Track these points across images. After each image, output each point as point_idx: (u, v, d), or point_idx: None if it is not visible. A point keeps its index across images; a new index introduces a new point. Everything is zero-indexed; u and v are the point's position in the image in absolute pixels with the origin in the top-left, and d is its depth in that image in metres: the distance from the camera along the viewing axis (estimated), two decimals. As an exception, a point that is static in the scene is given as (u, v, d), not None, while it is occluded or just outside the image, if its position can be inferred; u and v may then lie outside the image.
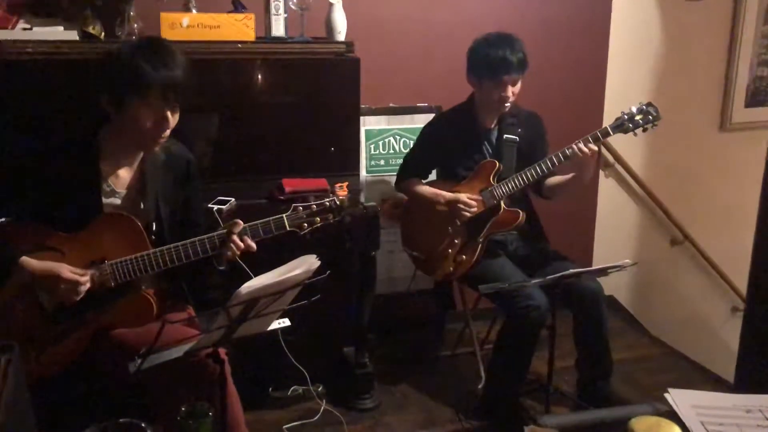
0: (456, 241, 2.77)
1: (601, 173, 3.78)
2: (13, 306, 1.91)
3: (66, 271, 1.85)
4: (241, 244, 1.96)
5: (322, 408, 2.71)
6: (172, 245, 1.94)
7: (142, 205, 2.05)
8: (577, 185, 2.69)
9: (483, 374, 2.97)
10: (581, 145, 2.56)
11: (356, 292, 2.77)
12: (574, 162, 2.60)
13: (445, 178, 2.88)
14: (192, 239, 1.95)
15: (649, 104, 2.63)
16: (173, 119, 1.95)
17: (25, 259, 1.85)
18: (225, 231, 1.96)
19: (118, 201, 2.03)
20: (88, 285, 1.87)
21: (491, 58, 2.61)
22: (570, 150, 2.58)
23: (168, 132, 1.96)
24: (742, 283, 3.88)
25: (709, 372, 3.24)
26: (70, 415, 1.82)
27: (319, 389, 2.78)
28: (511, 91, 2.66)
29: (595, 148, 2.57)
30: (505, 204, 2.72)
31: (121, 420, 0.93)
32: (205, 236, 1.96)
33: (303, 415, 2.70)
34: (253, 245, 1.98)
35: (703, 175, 3.99)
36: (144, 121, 1.90)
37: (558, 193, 2.79)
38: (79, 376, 1.98)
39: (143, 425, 0.92)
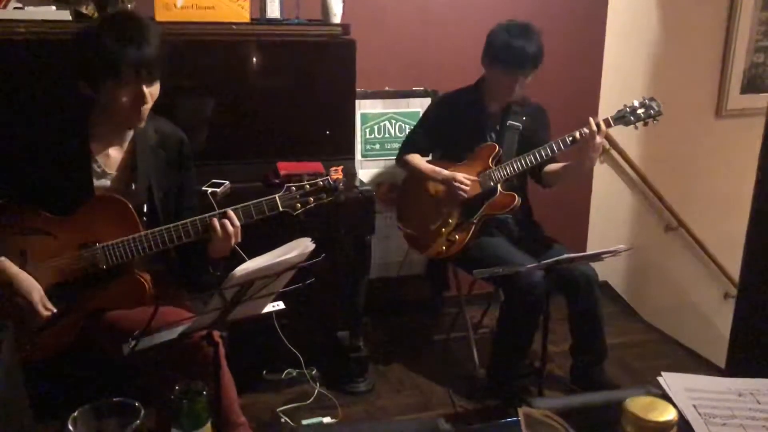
0: (450, 220, 2.78)
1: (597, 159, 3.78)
2: (4, 289, 1.90)
3: (36, 296, 1.83)
4: (230, 227, 1.93)
5: (316, 391, 2.72)
6: (164, 227, 1.93)
7: (133, 186, 2.04)
8: (577, 173, 2.69)
9: (476, 359, 2.98)
10: (589, 126, 2.55)
11: (351, 275, 2.77)
12: (580, 146, 2.60)
13: (446, 159, 2.88)
14: (184, 221, 1.94)
15: (651, 98, 2.64)
16: (151, 91, 1.91)
17: (5, 261, 1.84)
18: (213, 214, 1.94)
19: (108, 182, 2.02)
20: (45, 318, 1.85)
21: (510, 48, 2.60)
22: (577, 132, 2.57)
23: (148, 105, 1.93)
24: (734, 270, 3.90)
25: (700, 357, 3.27)
26: (64, 398, 1.81)
27: (313, 372, 2.79)
28: (521, 85, 2.66)
29: (605, 129, 2.56)
30: (502, 188, 2.73)
31: (115, 399, 0.92)
32: (197, 217, 1.95)
33: (297, 398, 2.71)
34: (236, 221, 1.95)
35: (698, 162, 4.00)
36: (120, 99, 1.87)
37: (557, 180, 2.79)
38: (73, 358, 1.97)
39: (137, 404, 0.91)
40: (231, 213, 1.95)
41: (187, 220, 1.94)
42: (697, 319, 3.96)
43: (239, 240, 1.97)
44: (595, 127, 2.55)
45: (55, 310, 1.87)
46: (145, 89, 1.89)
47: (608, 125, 2.61)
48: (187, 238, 1.94)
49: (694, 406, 1.14)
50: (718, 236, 3.99)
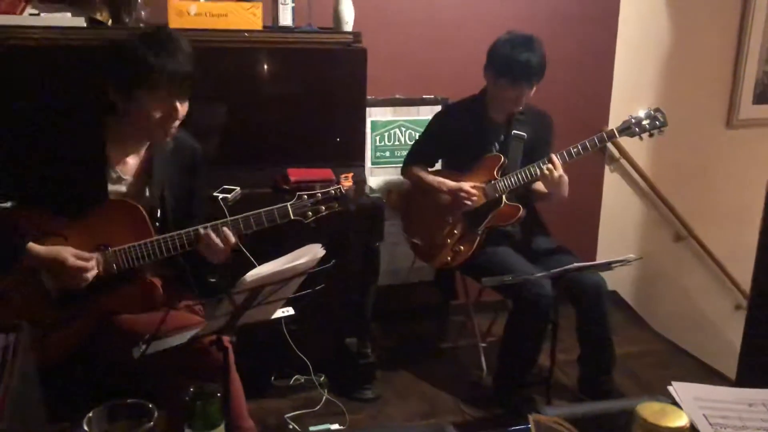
0: (455, 231, 2.78)
1: (606, 168, 3.78)
2: (16, 291, 1.92)
3: (71, 258, 1.84)
4: (217, 243, 1.93)
5: (324, 397, 2.72)
6: (175, 233, 1.94)
7: (147, 192, 2.06)
8: (550, 201, 2.72)
9: (485, 366, 2.98)
10: (545, 166, 2.58)
11: (359, 282, 2.77)
12: (542, 180, 2.62)
13: (451, 169, 2.89)
14: (195, 227, 1.95)
15: (657, 110, 2.64)
16: (182, 110, 1.95)
17: (32, 245, 1.86)
18: (207, 225, 1.96)
19: (123, 188, 2.04)
20: (95, 271, 1.87)
21: (513, 60, 2.59)
22: (539, 168, 2.60)
23: (178, 122, 1.96)
24: (745, 281, 3.88)
25: (711, 368, 3.24)
26: (74, 401, 1.82)
27: (321, 379, 2.79)
28: (526, 95, 2.66)
29: (557, 173, 2.57)
30: (507, 198, 2.73)
31: (129, 401, 0.93)
32: (208, 224, 1.96)
33: (305, 405, 2.71)
34: (232, 237, 1.96)
35: (708, 172, 3.98)
36: (153, 113, 1.90)
37: (540, 200, 2.82)
38: (83, 361, 1.98)
39: (150, 406, 0.92)
40: (227, 231, 1.95)
41: (199, 227, 1.95)
42: (707, 329, 3.93)
43: (229, 252, 1.98)
44: (545, 171, 2.57)
45: (94, 259, 1.86)
46: (178, 105, 1.91)
47: (612, 137, 2.63)
48: (191, 246, 1.95)
49: (705, 416, 1.14)
50: (728, 246, 3.96)
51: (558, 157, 2.61)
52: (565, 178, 2.60)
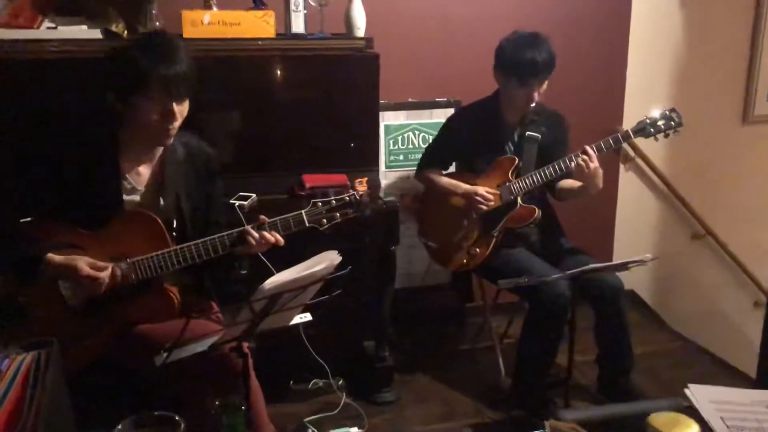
0: (471, 233, 2.79)
1: (622, 167, 3.76)
2: (38, 304, 1.96)
3: (84, 266, 1.87)
4: (271, 238, 1.97)
5: (343, 401, 2.74)
6: (192, 242, 1.96)
7: (161, 202, 2.08)
8: (584, 194, 2.69)
9: (502, 369, 2.98)
10: (579, 159, 2.55)
11: (376, 286, 2.79)
12: (577, 172, 2.60)
13: (465, 171, 2.89)
14: (212, 236, 1.97)
15: (672, 110, 2.63)
16: (180, 109, 1.96)
17: (50, 255, 1.89)
18: (242, 228, 1.98)
19: (137, 198, 2.06)
20: (107, 281, 1.89)
21: (519, 60, 2.60)
22: (573, 159, 2.58)
23: (177, 123, 1.97)
24: (764, 277, 3.85)
25: (730, 367, 3.22)
26: (96, 410, 1.85)
27: (340, 382, 2.81)
28: (537, 92, 2.66)
29: (593, 164, 2.54)
30: (522, 200, 2.73)
31: (156, 413, 0.95)
32: (225, 233, 1.98)
33: (323, 408, 2.73)
34: (281, 239, 2.00)
35: (724, 169, 3.95)
36: (150, 116, 1.92)
37: (570, 197, 2.79)
38: (104, 371, 2.01)
39: (176, 418, 0.94)
40: (277, 235, 1.99)
41: (216, 236, 1.97)
42: (726, 327, 3.90)
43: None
44: (577, 162, 2.55)
45: (108, 268, 1.89)
46: (175, 107, 1.93)
47: (628, 138, 2.62)
48: (216, 253, 1.97)
49: (722, 419, 1.14)
50: (746, 244, 3.93)
51: (566, 160, 2.61)
52: (600, 169, 2.59)
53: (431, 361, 3.17)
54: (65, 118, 2.45)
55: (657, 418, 0.96)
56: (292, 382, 2.85)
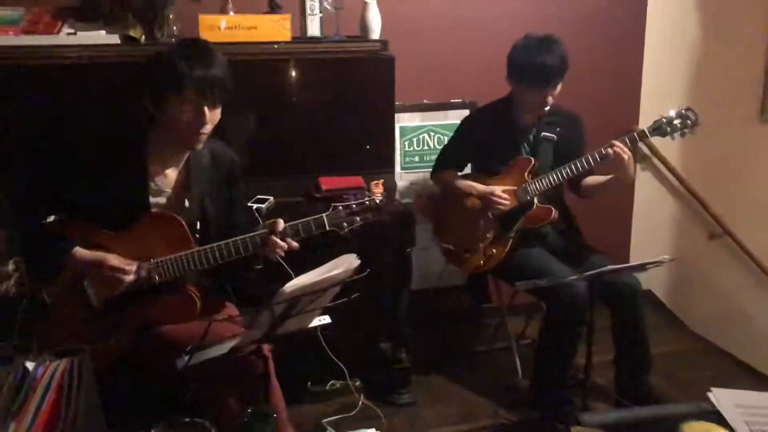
0: (487, 234, 2.79)
1: (638, 166, 3.74)
2: (64, 304, 1.98)
3: (113, 259, 1.92)
4: (284, 245, 1.99)
5: (360, 402, 2.75)
6: (215, 244, 1.99)
7: (186, 204, 2.11)
8: (617, 186, 2.67)
9: (520, 369, 2.97)
10: (616, 148, 2.54)
11: (392, 287, 2.80)
12: (611, 163, 2.59)
13: (480, 173, 2.89)
14: (235, 238, 1.99)
15: (688, 108, 2.62)
16: (212, 115, 1.98)
17: (78, 249, 1.94)
18: (266, 231, 2.00)
19: (163, 200, 2.09)
20: (132, 276, 1.93)
21: (531, 64, 2.59)
22: (606, 150, 2.56)
23: (208, 128, 1.99)
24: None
25: (750, 368, 3.20)
26: (120, 412, 1.87)
27: (357, 384, 2.81)
28: (551, 96, 2.65)
29: (625, 155, 2.54)
30: (538, 201, 2.72)
31: (187, 420, 0.97)
32: (247, 235, 2.00)
33: (341, 409, 2.74)
34: (295, 244, 2.01)
35: (742, 167, 3.91)
36: (182, 117, 1.94)
37: (596, 193, 2.78)
38: (127, 372, 2.04)
39: (206, 424, 0.96)
40: (292, 242, 2.01)
41: (238, 238, 2.00)
42: (745, 328, 3.86)
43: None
44: (614, 151, 2.54)
45: (134, 265, 1.94)
46: (207, 111, 1.95)
47: (644, 137, 2.60)
48: (238, 254, 1.99)
49: (746, 423, 1.14)
50: (765, 243, 3.89)
51: (589, 158, 2.60)
52: (632, 159, 2.58)
53: (448, 362, 3.17)
54: (89, 121, 2.48)
55: (690, 429, 0.95)
56: (309, 383, 2.86)
